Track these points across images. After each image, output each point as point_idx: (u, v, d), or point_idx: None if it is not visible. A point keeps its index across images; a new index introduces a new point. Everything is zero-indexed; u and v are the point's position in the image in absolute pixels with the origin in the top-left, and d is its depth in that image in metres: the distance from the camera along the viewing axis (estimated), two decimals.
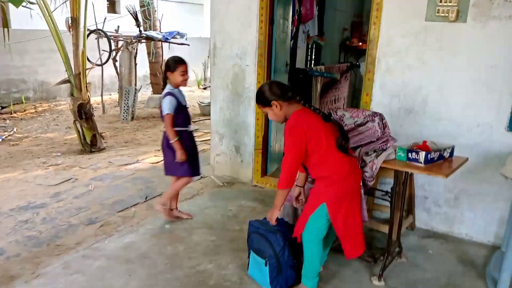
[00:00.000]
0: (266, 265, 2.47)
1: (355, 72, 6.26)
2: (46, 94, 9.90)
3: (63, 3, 5.64)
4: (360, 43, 7.03)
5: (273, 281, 2.46)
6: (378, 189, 3.02)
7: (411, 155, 2.45)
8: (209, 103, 8.70)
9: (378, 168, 2.48)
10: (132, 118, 7.93)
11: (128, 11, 7.75)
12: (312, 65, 6.28)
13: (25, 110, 8.66)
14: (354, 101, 6.52)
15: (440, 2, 3.04)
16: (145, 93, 10.59)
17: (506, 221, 3.09)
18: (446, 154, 2.58)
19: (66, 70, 5.46)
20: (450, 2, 3.00)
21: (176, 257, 2.92)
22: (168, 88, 3.18)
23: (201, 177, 4.58)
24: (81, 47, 5.46)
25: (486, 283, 2.73)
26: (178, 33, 7.79)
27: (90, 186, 4.22)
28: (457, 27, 3.04)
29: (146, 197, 3.97)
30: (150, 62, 9.43)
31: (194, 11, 14.07)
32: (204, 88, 12.70)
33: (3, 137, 6.43)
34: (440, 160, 2.53)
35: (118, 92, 8.70)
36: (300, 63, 5.79)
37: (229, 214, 3.66)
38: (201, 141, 6.30)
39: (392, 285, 2.67)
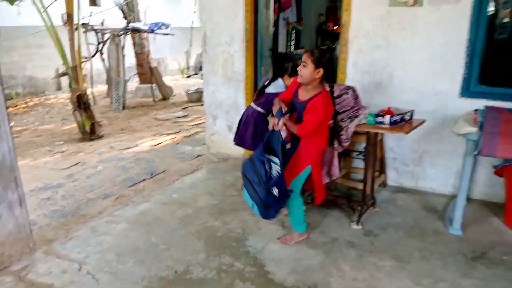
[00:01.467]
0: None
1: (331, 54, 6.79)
2: (34, 89, 10.13)
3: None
4: (336, 27, 7.53)
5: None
6: (353, 150, 3.58)
7: (378, 119, 3.00)
8: (196, 90, 9.21)
9: (352, 131, 3.02)
10: (123, 108, 8.30)
11: (116, 4, 8.04)
12: (292, 49, 6.78)
13: (16, 105, 8.91)
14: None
15: None
16: (130, 84, 10.91)
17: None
18: (407, 117, 3.14)
19: (64, 64, 5.81)
20: None
21: (186, 218, 3.42)
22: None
23: (198, 155, 5.08)
24: (76, 41, 5.82)
25: (445, 223, 3.33)
26: (163, 24, 8.15)
27: (98, 167, 4.66)
28: (415, 11, 3.58)
29: (152, 174, 4.44)
30: (136, 53, 9.74)
31: (173, 1, 14.29)
32: (188, 77, 13.06)
33: None
34: (402, 122, 3.08)
35: (107, 83, 9.03)
36: (281, 48, 6.29)
37: (227, 183, 4.16)
38: (192, 125, 6.76)
39: (368, 228, 3.24)
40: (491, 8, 3.59)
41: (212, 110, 4.95)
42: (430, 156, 3.84)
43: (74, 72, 5.84)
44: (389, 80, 3.82)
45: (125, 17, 8.14)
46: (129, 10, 9.41)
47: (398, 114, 3.03)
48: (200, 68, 13.11)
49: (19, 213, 2.74)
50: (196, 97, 9.09)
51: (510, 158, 2.82)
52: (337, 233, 3.16)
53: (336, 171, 3.17)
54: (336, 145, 3.10)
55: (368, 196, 3.39)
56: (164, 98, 9.32)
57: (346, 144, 3.08)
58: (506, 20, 4.03)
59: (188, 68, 13.59)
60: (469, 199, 3.54)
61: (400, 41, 3.70)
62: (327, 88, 2.93)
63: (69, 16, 5.72)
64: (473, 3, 3.36)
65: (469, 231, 3.18)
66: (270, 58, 4.99)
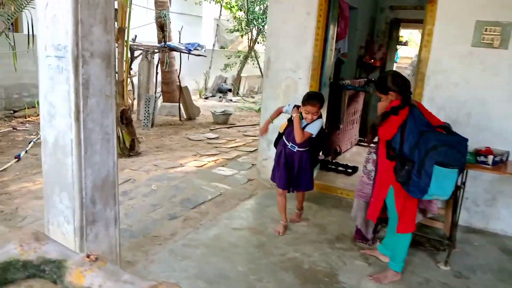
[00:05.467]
0: None
1: (370, 86, 6.83)
2: None
3: None
4: (372, 60, 7.63)
5: None
6: None
7: (480, 158, 2.95)
8: (223, 112, 9.16)
9: None
10: (152, 125, 8.19)
11: (156, 23, 8.06)
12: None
13: (38, 114, 8.74)
14: (364, 114, 7.13)
15: (485, 31, 3.60)
16: None
17: None
18: (505, 158, 3.10)
19: None
20: (494, 32, 3.57)
21: (264, 246, 3.29)
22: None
23: (249, 179, 4.97)
24: (125, 56, 5.76)
25: None
26: (199, 45, 8.17)
27: (152, 186, 4.51)
28: (499, 52, 3.61)
29: (210, 197, 4.31)
30: (162, 71, 9.72)
31: (193, 22, 14.44)
32: (206, 98, 13.03)
33: (34, 140, 6.57)
34: (501, 162, 3.04)
35: (135, 99, 8.94)
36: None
37: (291, 211, 4.05)
38: (230, 147, 6.67)
39: (456, 269, 3.15)
40: None
41: (267, 135, 4.86)
42: (504, 196, 3.79)
43: (120, 87, 5.76)
44: (466, 119, 3.81)
45: (163, 36, 8.14)
46: (160, 29, 9.45)
47: (499, 155, 2.99)
48: (219, 91, 13.14)
49: (113, 233, 2.59)
50: (223, 119, 9.04)
51: None
52: (428, 274, 3.06)
53: (434, 208, 3.09)
54: None
55: (453, 236, 3.31)
56: (190, 118, 9.25)
57: None
58: None
59: (206, 89, 13.59)
60: None
61: (480, 81, 3.71)
62: None
63: (121, 30, 5.69)
64: None
65: None
66: (327, 87, 4.98)
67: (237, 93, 13.66)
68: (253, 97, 14.60)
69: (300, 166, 3.51)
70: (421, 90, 3.94)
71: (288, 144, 3.48)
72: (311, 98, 3.34)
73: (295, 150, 3.45)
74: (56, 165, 2.31)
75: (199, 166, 5.45)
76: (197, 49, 8.10)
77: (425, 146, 2.50)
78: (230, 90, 13.36)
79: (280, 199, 3.62)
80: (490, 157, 2.91)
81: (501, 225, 3.85)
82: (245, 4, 12.49)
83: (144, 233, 3.42)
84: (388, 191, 2.79)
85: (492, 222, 3.88)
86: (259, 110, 10.54)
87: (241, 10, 13.11)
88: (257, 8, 12.85)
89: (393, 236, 2.93)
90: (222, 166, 5.54)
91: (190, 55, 8.49)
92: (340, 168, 5.41)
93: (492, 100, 3.70)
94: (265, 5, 12.48)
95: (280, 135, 3.68)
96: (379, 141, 2.87)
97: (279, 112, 3.67)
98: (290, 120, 3.49)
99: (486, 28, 3.59)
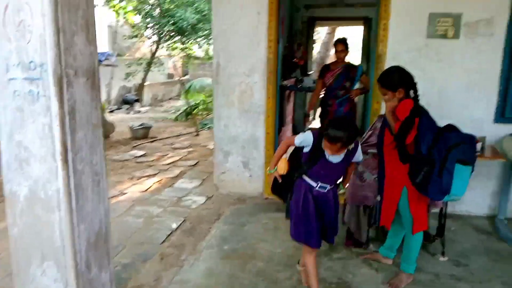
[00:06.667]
0: None
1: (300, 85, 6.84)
2: None
3: None
4: (295, 59, 7.65)
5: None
6: None
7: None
8: (141, 125, 8.39)
9: None
10: None
11: None
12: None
13: None
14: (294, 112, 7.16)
15: (438, 23, 3.73)
16: None
17: (497, 194, 3.94)
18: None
19: None
20: (447, 23, 3.71)
21: (264, 272, 2.94)
22: None
23: (207, 197, 4.52)
24: None
25: (506, 241, 3.45)
26: (109, 54, 7.33)
27: None
28: (452, 43, 3.76)
29: (174, 226, 3.77)
30: None
31: None
32: (111, 111, 11.90)
33: None
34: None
35: None
36: None
37: (269, 227, 3.74)
38: (168, 164, 6.07)
39: (452, 258, 3.18)
40: None
41: (223, 145, 4.48)
42: None
43: None
44: (426, 108, 3.91)
45: None
46: None
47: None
48: (125, 102, 12.14)
49: None
50: (142, 133, 8.28)
51: None
52: (433, 268, 3.03)
53: (440, 202, 3.06)
54: None
55: (444, 226, 3.35)
56: (104, 136, 8.27)
57: None
58: None
59: (109, 102, 12.42)
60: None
61: (437, 72, 3.84)
62: None
63: None
64: (506, 36, 3.67)
65: None
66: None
67: (141, 103, 12.78)
68: (161, 106, 13.83)
69: (335, 208, 2.56)
70: None
71: (315, 185, 2.47)
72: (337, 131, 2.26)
73: (326, 191, 2.47)
74: (34, 226, 1.69)
75: (144, 191, 4.81)
76: (108, 59, 7.25)
77: (444, 145, 2.41)
78: (137, 101, 12.43)
79: (311, 262, 2.55)
80: (479, 145, 2.98)
81: (466, 207, 4.05)
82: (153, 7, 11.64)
83: (123, 283, 2.80)
84: (401, 194, 2.67)
85: (457, 206, 4.06)
86: (176, 119, 9.94)
87: (140, 14, 12.22)
88: (157, 11, 12.11)
89: (406, 238, 2.82)
90: (170, 186, 4.97)
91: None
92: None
93: (450, 89, 3.85)
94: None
95: (287, 177, 2.53)
96: (385, 144, 2.73)
97: (287, 145, 2.57)
98: (313, 153, 2.40)
99: (439, 20, 3.72)
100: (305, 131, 2.50)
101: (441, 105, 3.87)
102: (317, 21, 8.04)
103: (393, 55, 3.88)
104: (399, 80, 2.60)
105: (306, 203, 2.45)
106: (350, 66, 4.65)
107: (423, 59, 3.83)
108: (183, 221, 3.87)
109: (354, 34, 14.34)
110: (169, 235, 3.59)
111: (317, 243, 2.49)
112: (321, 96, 4.99)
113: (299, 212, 2.48)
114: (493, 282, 2.85)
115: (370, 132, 3.28)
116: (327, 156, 2.34)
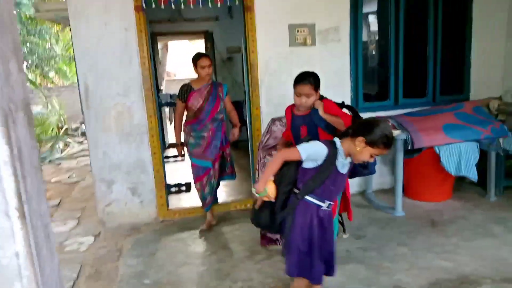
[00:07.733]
0: None
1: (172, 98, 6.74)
2: None
3: None
4: None
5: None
6: None
7: None
8: None
9: None
10: None
11: None
12: None
13: None
14: None
15: (298, 32, 4.21)
16: None
17: None
18: None
19: None
20: (304, 32, 4.22)
21: None
22: None
23: (95, 236, 4.04)
24: None
25: (385, 211, 4.14)
26: None
27: None
28: (311, 49, 4.29)
29: (74, 275, 3.26)
30: None
31: None
32: None
33: None
34: None
35: None
36: None
37: (181, 248, 3.59)
38: None
39: (352, 233, 3.66)
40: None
41: (104, 175, 4.07)
42: None
43: None
44: None
45: None
46: None
47: None
48: None
49: None
50: None
51: (435, 145, 3.88)
52: (342, 246, 3.41)
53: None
54: None
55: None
56: None
57: None
58: (374, 52, 5.33)
59: None
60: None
61: None
62: None
63: None
64: (350, 41, 4.39)
65: (406, 211, 4.08)
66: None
67: None
68: None
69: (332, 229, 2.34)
70: (258, 92, 4.23)
71: (323, 204, 2.20)
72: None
73: (330, 209, 2.25)
74: None
75: None
76: None
77: None
78: None
79: None
80: None
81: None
82: None
83: None
84: None
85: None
86: None
87: None
88: None
89: None
90: None
91: None
92: (173, 189, 5.14)
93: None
94: None
95: (283, 200, 2.26)
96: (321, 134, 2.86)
97: (284, 160, 2.23)
98: (325, 167, 2.13)
99: (298, 30, 4.20)
100: (308, 142, 2.23)
101: None
102: (158, 36, 7.96)
103: (264, 63, 4.20)
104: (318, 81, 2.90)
105: (311, 231, 2.19)
106: (217, 83, 3.98)
107: (289, 65, 4.24)
108: (81, 267, 3.38)
109: (186, 48, 14.73)
110: (73, 286, 3.09)
111: (320, 279, 2.27)
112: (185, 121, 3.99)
113: (305, 243, 2.19)
114: (391, 245, 3.40)
115: (268, 136, 3.48)
116: (338, 168, 2.14)
